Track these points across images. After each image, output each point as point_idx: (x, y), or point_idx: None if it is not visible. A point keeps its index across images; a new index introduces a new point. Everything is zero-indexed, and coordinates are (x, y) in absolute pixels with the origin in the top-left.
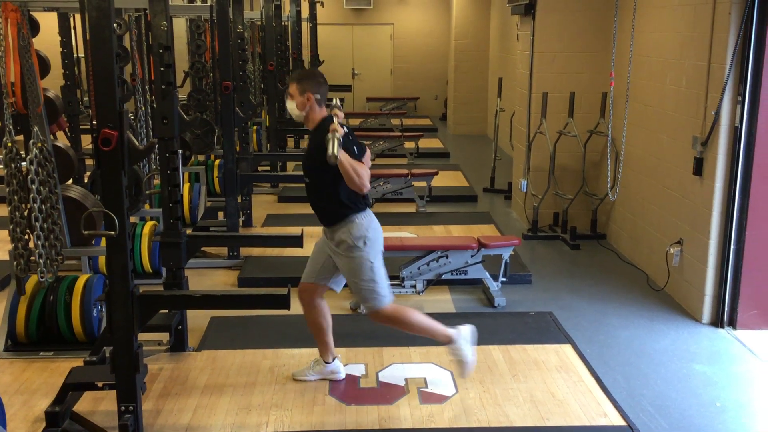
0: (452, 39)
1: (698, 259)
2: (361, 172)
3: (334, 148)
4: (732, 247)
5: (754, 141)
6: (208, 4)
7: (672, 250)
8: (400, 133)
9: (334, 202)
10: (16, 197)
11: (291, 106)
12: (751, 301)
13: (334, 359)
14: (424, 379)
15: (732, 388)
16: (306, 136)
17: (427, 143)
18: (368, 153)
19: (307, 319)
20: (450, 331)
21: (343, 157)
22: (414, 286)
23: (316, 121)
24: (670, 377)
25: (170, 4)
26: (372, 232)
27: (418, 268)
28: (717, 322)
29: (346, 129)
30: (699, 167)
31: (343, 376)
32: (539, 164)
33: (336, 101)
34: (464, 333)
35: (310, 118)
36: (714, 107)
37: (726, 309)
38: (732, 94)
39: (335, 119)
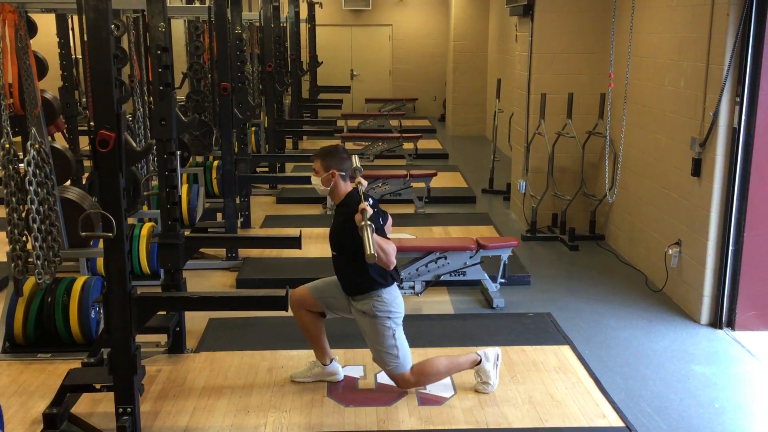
0: (451, 40)
1: (697, 260)
2: (387, 249)
3: (371, 246)
4: (730, 248)
5: (752, 142)
6: (207, 5)
7: (670, 251)
8: (398, 134)
9: (363, 276)
10: (14, 199)
11: (316, 182)
12: (749, 302)
13: (331, 361)
14: None
15: (731, 389)
16: (305, 138)
17: (426, 144)
18: (390, 221)
19: (299, 323)
20: (474, 356)
21: (375, 241)
22: (413, 288)
23: (341, 196)
24: (668, 378)
25: (168, 5)
26: (396, 306)
27: (417, 270)
28: (715, 323)
29: (371, 201)
30: (697, 168)
31: (341, 377)
32: (538, 165)
33: (356, 162)
34: (491, 355)
35: (335, 194)
36: (712, 108)
37: (724, 310)
38: (730, 95)
39: (360, 188)
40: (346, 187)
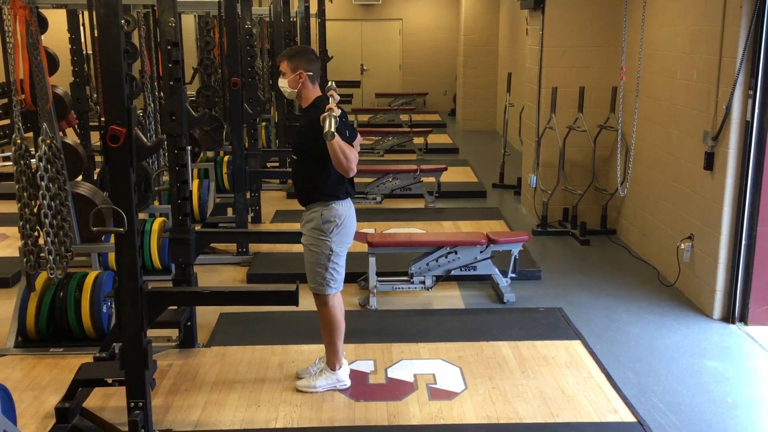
0: (461, 34)
1: (709, 254)
2: (349, 154)
3: (332, 126)
4: (743, 242)
5: (765, 135)
6: (217, 0)
7: (683, 246)
8: (409, 129)
9: (318, 183)
10: (25, 194)
11: (283, 84)
12: (762, 297)
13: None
14: (433, 375)
15: (743, 384)
16: None
17: (436, 139)
18: (359, 138)
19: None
20: (341, 362)
21: (337, 142)
22: (423, 282)
23: (309, 99)
24: (680, 373)
25: (178, 0)
26: (345, 220)
27: (427, 264)
28: (728, 317)
29: (340, 110)
30: (710, 162)
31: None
32: (549, 159)
33: (331, 83)
34: (342, 375)
35: (302, 96)
36: (725, 101)
37: (737, 304)
38: (743, 88)
39: (331, 100)
40: (315, 90)
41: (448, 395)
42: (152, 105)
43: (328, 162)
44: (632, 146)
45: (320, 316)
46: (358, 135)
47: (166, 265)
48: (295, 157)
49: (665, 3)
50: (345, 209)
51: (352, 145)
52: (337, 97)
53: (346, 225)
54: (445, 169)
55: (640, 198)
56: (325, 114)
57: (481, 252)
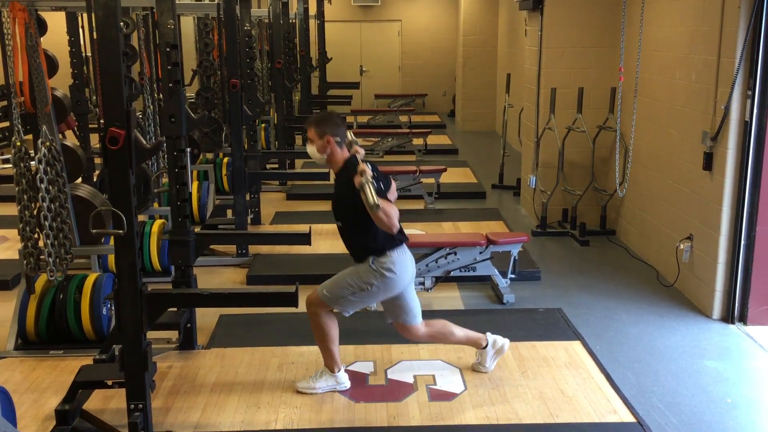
0: (460, 35)
1: (708, 254)
2: (389, 211)
3: (373, 196)
4: (742, 242)
5: (764, 135)
6: (216, 2)
7: (682, 246)
8: (408, 130)
9: (369, 241)
10: (25, 196)
11: (311, 150)
12: (761, 297)
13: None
14: (433, 376)
15: (743, 384)
16: None
17: (436, 140)
18: (393, 185)
19: (313, 325)
20: (339, 365)
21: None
22: (422, 283)
23: (339, 163)
24: (680, 373)
25: (177, 2)
26: (397, 267)
27: (427, 265)
28: (727, 317)
29: (369, 165)
30: (709, 162)
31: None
32: (548, 160)
33: (350, 136)
34: (341, 377)
35: (332, 161)
36: (724, 102)
37: (736, 305)
38: (742, 89)
39: (358, 157)
40: (343, 153)
41: (448, 396)
42: (151, 107)
43: (372, 220)
44: (631, 147)
45: (313, 325)
46: (392, 182)
47: (165, 266)
48: (339, 223)
49: (664, 4)
50: (399, 255)
51: (389, 198)
52: (362, 152)
53: (399, 271)
54: (445, 170)
55: (639, 198)
56: (362, 181)
57: (480, 253)
